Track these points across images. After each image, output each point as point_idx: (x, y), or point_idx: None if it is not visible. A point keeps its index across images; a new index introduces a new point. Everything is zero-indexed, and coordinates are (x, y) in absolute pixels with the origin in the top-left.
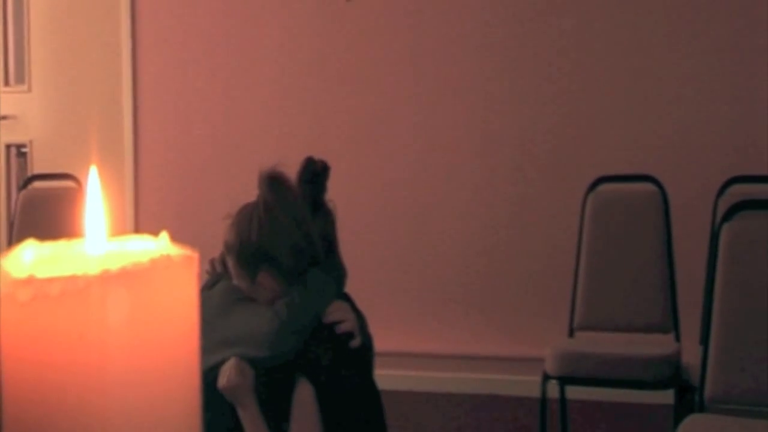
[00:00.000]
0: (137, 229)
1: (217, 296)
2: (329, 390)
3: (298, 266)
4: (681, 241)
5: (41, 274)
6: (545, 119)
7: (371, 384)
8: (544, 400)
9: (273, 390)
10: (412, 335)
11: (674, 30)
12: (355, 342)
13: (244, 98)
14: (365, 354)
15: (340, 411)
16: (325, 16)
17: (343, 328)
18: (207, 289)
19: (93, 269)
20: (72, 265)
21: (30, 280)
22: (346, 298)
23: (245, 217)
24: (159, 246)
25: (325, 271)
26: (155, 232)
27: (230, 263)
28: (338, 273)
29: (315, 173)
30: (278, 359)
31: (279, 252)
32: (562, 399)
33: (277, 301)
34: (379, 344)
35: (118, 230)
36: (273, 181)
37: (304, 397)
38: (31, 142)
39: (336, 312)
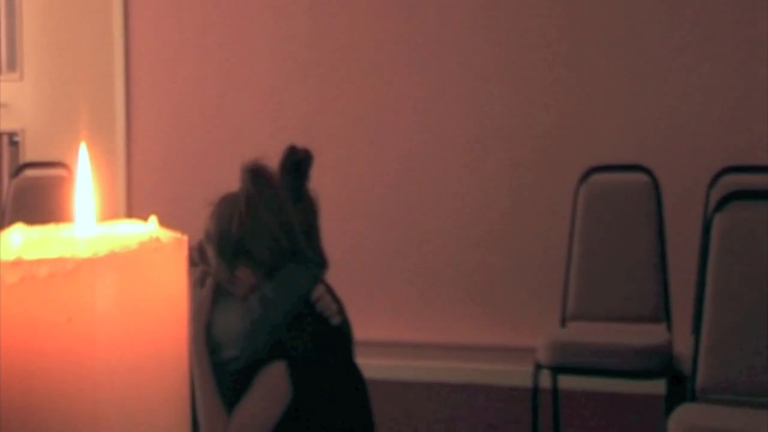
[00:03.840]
0: (130, 216)
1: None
2: (307, 373)
3: (276, 262)
4: (673, 231)
5: (29, 256)
6: (538, 109)
7: (353, 366)
8: (536, 390)
9: (246, 386)
10: (404, 325)
11: (667, 20)
12: (335, 320)
13: (237, 86)
14: (345, 336)
15: (319, 393)
16: (320, 8)
17: (322, 304)
18: (198, 286)
19: (82, 252)
20: (60, 248)
21: (18, 262)
22: (326, 287)
23: (226, 209)
24: (148, 229)
25: (302, 263)
26: (147, 219)
27: (210, 253)
28: (316, 264)
29: (297, 162)
30: (250, 358)
31: (259, 248)
32: (555, 389)
33: (250, 296)
34: (372, 333)
35: (110, 217)
36: (255, 175)
37: (272, 371)
38: (23, 130)
39: (316, 295)
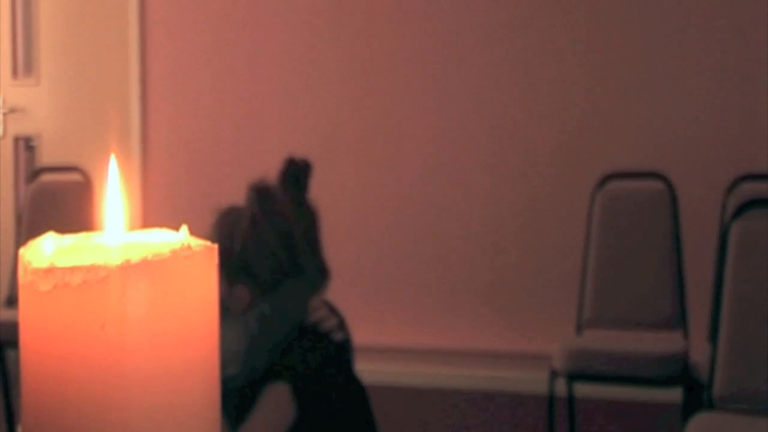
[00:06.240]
0: (145, 223)
1: None
2: (310, 392)
3: (275, 279)
4: (690, 238)
5: (62, 263)
6: (554, 115)
7: (354, 381)
8: (551, 397)
9: (247, 404)
10: (418, 330)
11: (683, 26)
12: (337, 336)
13: (254, 92)
14: (346, 350)
15: (322, 411)
16: (337, 15)
17: (317, 316)
18: None
19: (114, 259)
20: (93, 256)
21: (51, 270)
22: (324, 303)
23: (229, 225)
24: (179, 237)
25: (302, 276)
26: (163, 227)
27: None
28: (316, 277)
29: (297, 174)
30: (250, 376)
31: (260, 268)
32: (570, 396)
33: (248, 313)
34: (385, 339)
35: (127, 224)
36: (261, 195)
37: (276, 390)
38: (39, 135)
39: (316, 311)
